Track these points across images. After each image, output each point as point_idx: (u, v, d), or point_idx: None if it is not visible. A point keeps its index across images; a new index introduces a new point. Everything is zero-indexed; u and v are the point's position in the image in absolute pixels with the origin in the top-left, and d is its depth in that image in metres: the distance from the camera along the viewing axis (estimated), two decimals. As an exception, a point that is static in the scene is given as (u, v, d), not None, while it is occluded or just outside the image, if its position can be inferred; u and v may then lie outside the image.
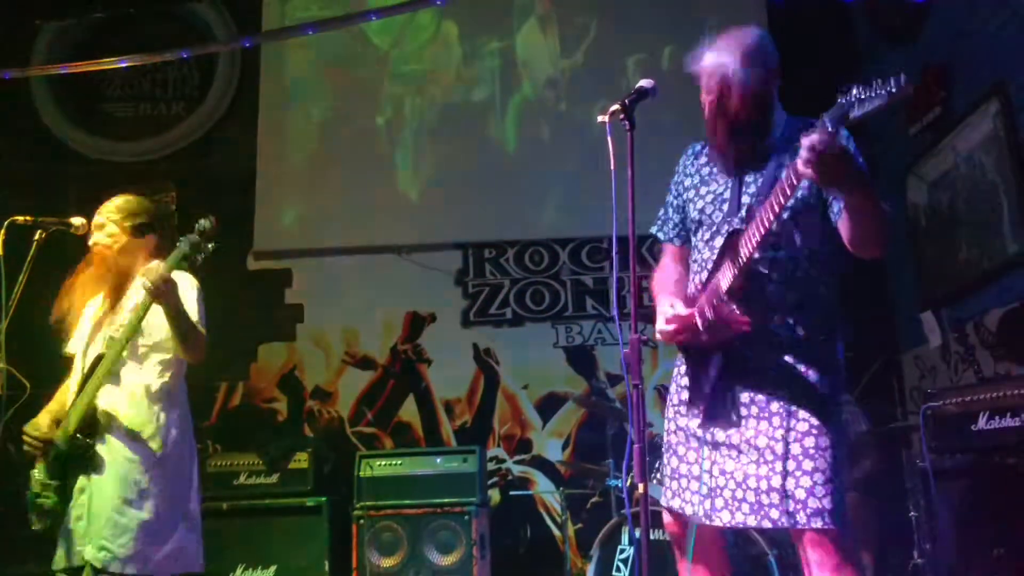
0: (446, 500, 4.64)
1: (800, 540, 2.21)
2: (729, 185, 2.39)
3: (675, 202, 2.56)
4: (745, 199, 2.34)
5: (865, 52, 5.76)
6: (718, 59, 2.30)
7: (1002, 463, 3.21)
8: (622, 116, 2.14)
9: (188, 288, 3.16)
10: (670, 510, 2.43)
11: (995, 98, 4.23)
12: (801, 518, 2.15)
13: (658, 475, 4.20)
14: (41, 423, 3.02)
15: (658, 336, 2.40)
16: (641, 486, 2.02)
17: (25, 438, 2.99)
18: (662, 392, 5.47)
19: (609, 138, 2.12)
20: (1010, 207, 4.16)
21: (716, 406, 2.32)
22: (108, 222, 3.16)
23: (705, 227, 2.43)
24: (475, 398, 5.74)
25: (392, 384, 5.81)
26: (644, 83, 2.23)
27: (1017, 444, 3.19)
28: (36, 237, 3.11)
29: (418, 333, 5.87)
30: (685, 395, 2.43)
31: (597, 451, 4.91)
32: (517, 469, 5.59)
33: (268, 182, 6.07)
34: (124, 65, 5.26)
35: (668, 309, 2.35)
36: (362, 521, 4.64)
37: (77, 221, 3.16)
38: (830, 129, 1.95)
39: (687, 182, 2.52)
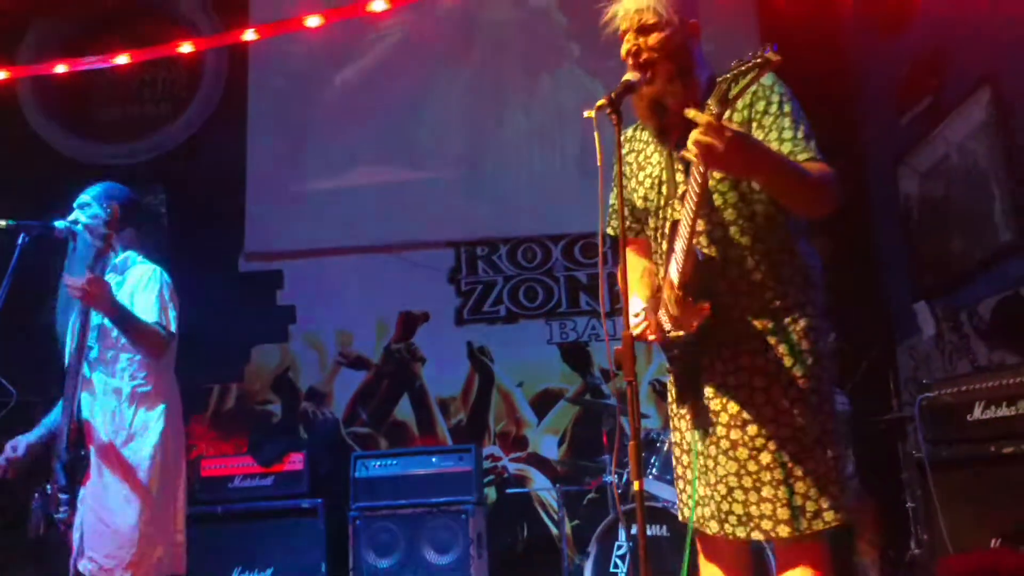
0: (442, 499, 4.63)
1: (789, 544, 2.13)
2: (662, 164, 2.28)
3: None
4: (679, 176, 2.23)
5: (853, 42, 5.74)
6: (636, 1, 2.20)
7: (998, 453, 3.20)
8: (609, 110, 2.10)
9: (145, 281, 3.11)
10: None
11: (986, 86, 4.22)
12: (803, 524, 2.08)
13: (654, 471, 4.20)
14: (19, 444, 3.01)
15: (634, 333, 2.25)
16: (637, 483, 1.99)
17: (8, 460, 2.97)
18: (656, 387, 5.46)
19: (596, 133, 2.08)
20: (1002, 196, 4.15)
21: (700, 411, 2.23)
22: (93, 203, 3.13)
23: (652, 215, 2.31)
24: (470, 396, 5.72)
25: (386, 384, 5.79)
26: (630, 76, 2.18)
27: (1013, 433, 3.19)
28: (19, 241, 3.06)
29: (412, 332, 5.84)
30: (674, 397, 2.35)
31: (593, 447, 4.90)
32: (513, 467, 5.58)
33: (258, 183, 6.05)
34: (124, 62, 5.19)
35: (631, 314, 2.24)
36: (358, 522, 4.63)
37: (61, 224, 3.12)
38: (715, 111, 1.90)
39: (625, 171, 2.37)
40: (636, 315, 2.24)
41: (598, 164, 2.06)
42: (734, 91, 1.88)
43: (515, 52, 6.14)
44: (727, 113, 1.94)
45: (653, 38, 2.17)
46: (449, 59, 6.15)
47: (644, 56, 2.18)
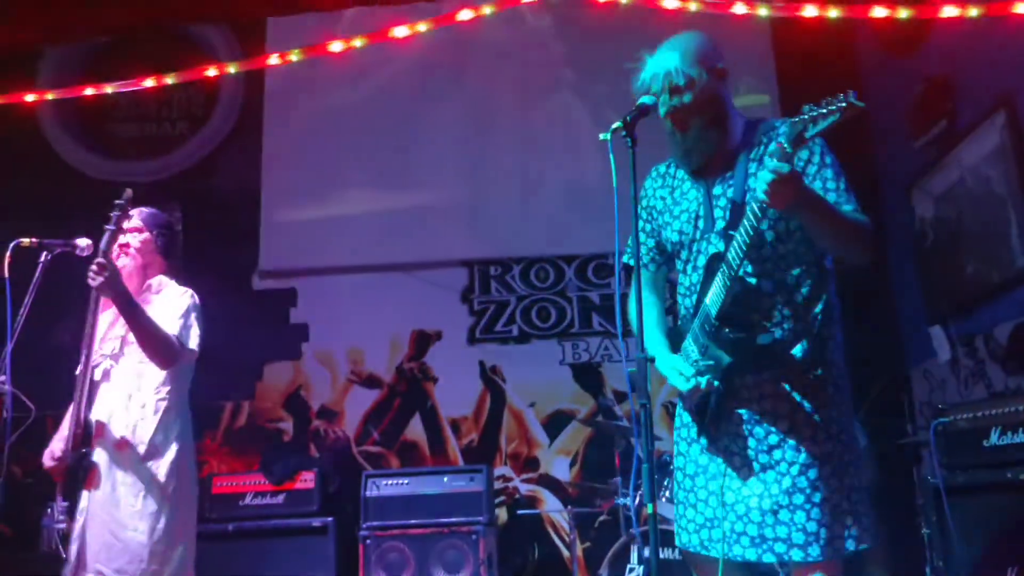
0: (453, 519, 4.61)
1: (810, 568, 2.14)
2: (700, 200, 2.34)
3: (647, 227, 2.48)
4: (718, 212, 2.30)
5: (867, 66, 5.74)
6: (660, 61, 2.28)
7: (1015, 479, 3.17)
8: (624, 133, 2.13)
9: (174, 299, 3.13)
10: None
11: (1002, 110, 4.22)
12: (814, 551, 2.10)
13: (667, 493, 4.17)
14: (55, 449, 3.00)
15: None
16: (650, 505, 1.99)
17: (49, 471, 2.96)
18: (669, 409, 5.44)
19: (612, 155, 2.11)
20: (1018, 220, 4.13)
21: (716, 435, 2.28)
22: (144, 229, 3.18)
23: (685, 248, 2.37)
24: (482, 416, 5.72)
25: (398, 403, 5.79)
26: (645, 99, 2.22)
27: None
28: (42, 259, 3.09)
29: (424, 351, 5.85)
30: (687, 421, 2.38)
31: (605, 469, 4.87)
32: (524, 488, 5.56)
33: (273, 201, 6.09)
34: (147, 86, 5.25)
35: (679, 378, 2.28)
36: (369, 541, 4.61)
37: (83, 242, 3.13)
38: (789, 150, 1.96)
39: (658, 205, 2.45)
40: (690, 379, 2.26)
41: (614, 185, 2.08)
42: (811, 132, 1.94)
43: (516, 74, 6.17)
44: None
45: (687, 96, 2.25)
46: (460, 81, 6.18)
47: (680, 114, 2.26)
